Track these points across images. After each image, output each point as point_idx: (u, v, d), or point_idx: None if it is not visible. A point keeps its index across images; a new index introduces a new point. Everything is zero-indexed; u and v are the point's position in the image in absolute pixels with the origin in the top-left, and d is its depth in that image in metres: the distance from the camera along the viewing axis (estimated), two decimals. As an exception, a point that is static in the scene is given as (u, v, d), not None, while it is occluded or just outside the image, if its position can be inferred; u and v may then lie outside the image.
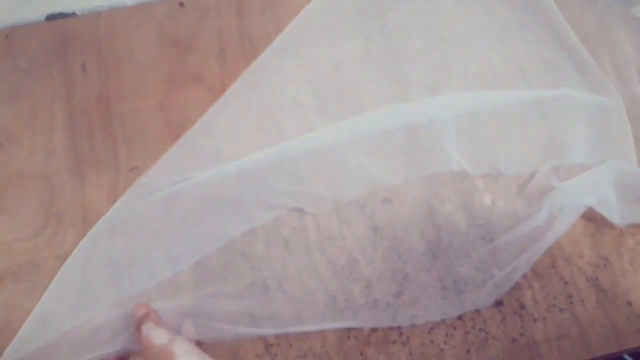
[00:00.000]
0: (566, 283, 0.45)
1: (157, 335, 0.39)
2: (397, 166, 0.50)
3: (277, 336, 0.44)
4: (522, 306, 0.45)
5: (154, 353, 0.38)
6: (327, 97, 0.54)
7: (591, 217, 0.48)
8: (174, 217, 0.48)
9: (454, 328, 0.44)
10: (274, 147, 0.50)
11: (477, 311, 0.45)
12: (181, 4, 0.61)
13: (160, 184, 0.48)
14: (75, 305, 0.44)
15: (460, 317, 0.44)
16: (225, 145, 0.51)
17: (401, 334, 0.44)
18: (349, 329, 0.44)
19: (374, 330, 0.44)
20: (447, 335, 0.44)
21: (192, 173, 0.48)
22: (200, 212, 0.48)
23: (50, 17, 0.61)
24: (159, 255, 0.46)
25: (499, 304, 0.45)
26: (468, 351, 0.43)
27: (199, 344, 0.43)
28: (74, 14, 0.61)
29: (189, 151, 0.51)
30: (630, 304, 0.45)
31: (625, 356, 0.52)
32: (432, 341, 0.44)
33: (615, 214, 0.47)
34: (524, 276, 0.46)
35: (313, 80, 0.55)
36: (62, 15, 0.61)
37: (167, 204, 0.48)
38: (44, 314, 0.44)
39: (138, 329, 0.40)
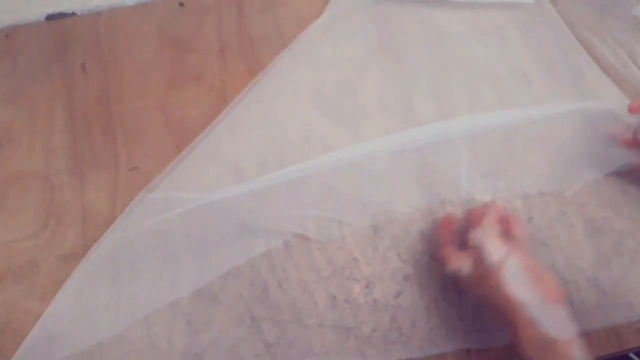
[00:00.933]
0: (566, 283, 0.45)
1: (490, 248, 0.34)
2: (407, 193, 0.49)
3: (277, 336, 0.44)
4: (522, 306, 0.45)
5: (483, 269, 0.34)
6: (334, 103, 0.54)
7: (591, 218, 0.48)
8: (178, 242, 0.47)
9: (454, 328, 0.44)
10: (283, 170, 0.48)
11: (478, 311, 0.45)
12: (181, 4, 0.61)
13: (169, 202, 0.47)
14: (74, 331, 0.44)
15: (460, 318, 0.44)
16: (234, 161, 0.50)
17: (401, 334, 0.44)
18: (348, 329, 0.44)
19: (374, 330, 0.44)
20: (447, 335, 0.44)
21: (200, 192, 0.47)
22: (204, 239, 0.47)
23: (50, 17, 0.61)
24: (161, 282, 0.45)
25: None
26: (468, 351, 0.43)
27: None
28: (74, 14, 0.61)
29: (196, 167, 0.50)
30: (630, 304, 0.45)
31: (631, 355, 0.52)
32: (432, 341, 0.44)
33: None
34: (524, 276, 0.46)
35: (319, 88, 0.55)
36: (62, 15, 0.61)
37: (173, 227, 0.47)
38: (41, 336, 0.43)
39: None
